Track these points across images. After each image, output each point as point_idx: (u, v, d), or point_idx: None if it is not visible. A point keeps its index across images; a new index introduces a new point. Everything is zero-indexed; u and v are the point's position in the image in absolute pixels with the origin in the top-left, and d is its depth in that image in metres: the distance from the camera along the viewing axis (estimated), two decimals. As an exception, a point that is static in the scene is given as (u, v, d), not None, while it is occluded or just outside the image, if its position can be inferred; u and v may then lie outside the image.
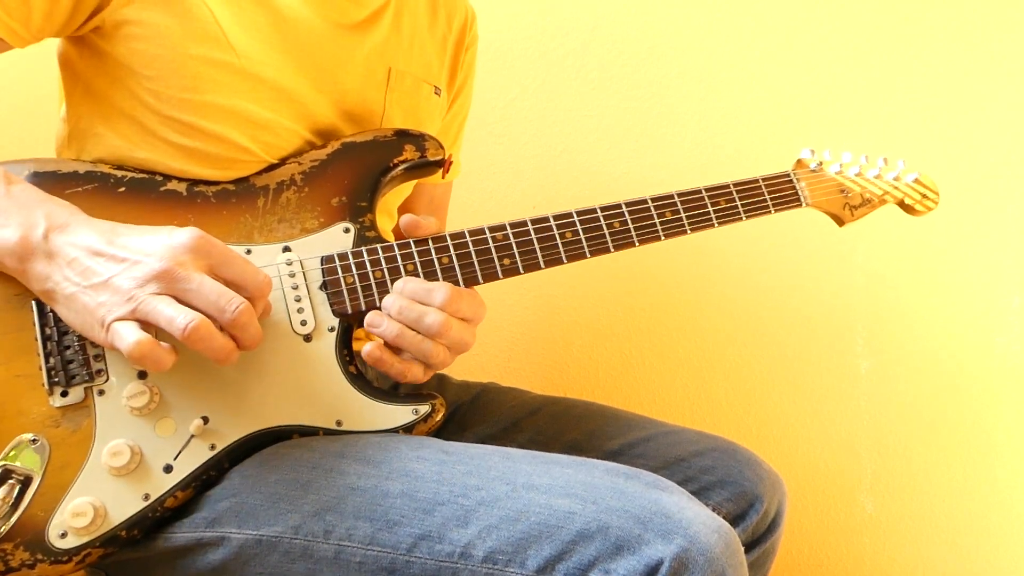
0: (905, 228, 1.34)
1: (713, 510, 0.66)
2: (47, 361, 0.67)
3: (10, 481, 0.64)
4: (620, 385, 1.37)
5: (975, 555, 1.38)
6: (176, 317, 0.61)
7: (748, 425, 1.38)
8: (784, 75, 1.33)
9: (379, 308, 0.75)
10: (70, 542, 0.65)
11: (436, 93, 0.93)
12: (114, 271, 0.63)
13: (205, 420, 0.69)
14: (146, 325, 0.63)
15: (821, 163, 0.91)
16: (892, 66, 1.33)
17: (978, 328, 1.36)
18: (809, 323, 1.36)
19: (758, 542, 0.85)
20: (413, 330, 0.73)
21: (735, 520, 0.83)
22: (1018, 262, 1.34)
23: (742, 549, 0.64)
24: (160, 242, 0.64)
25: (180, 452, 0.68)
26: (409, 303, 0.74)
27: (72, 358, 0.68)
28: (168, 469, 0.68)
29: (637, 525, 0.60)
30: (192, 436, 0.69)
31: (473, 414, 0.93)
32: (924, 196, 0.94)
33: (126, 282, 0.62)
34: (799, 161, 0.91)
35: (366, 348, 0.74)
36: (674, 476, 0.82)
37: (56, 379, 0.67)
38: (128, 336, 0.61)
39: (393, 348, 0.74)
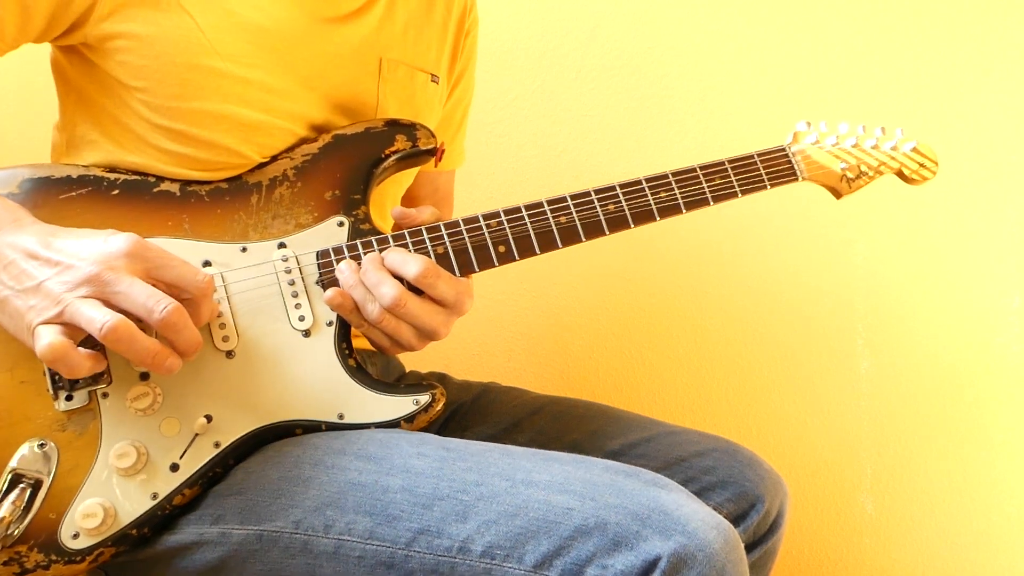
0: (905, 227, 1.34)
1: (714, 510, 0.66)
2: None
3: (21, 485, 0.65)
4: (620, 385, 1.38)
5: (975, 555, 1.38)
6: (96, 318, 0.60)
7: (748, 425, 1.38)
8: (785, 75, 1.33)
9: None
10: (82, 542, 0.66)
11: (434, 81, 0.93)
12: (46, 275, 0.62)
13: (208, 418, 0.70)
14: (75, 331, 0.62)
15: (818, 136, 0.89)
16: (893, 69, 1.33)
17: (978, 328, 1.36)
18: (809, 323, 1.36)
19: (759, 542, 0.85)
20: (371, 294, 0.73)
21: (736, 520, 0.83)
22: (1018, 262, 1.35)
23: (742, 546, 0.65)
24: (95, 247, 0.64)
25: (185, 451, 0.69)
26: (375, 268, 0.74)
27: None
28: (175, 468, 0.69)
29: (635, 522, 0.61)
30: (196, 435, 0.70)
31: (474, 414, 0.93)
32: (922, 165, 0.92)
33: (57, 286, 0.62)
34: (795, 135, 0.89)
35: (327, 292, 0.73)
36: (675, 476, 0.82)
37: (60, 383, 0.68)
38: (43, 338, 0.60)
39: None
